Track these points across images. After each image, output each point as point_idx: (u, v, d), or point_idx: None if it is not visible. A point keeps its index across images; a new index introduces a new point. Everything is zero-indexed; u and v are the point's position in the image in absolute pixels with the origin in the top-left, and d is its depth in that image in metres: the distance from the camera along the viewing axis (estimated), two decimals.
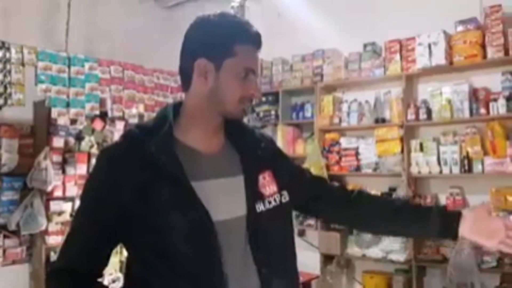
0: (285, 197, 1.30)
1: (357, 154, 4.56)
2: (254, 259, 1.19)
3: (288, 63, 5.18)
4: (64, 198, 4.24)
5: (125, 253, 3.63)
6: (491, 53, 3.87)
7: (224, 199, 1.19)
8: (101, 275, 1.22)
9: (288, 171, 1.40)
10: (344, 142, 4.66)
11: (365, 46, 4.63)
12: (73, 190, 4.26)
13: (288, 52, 5.14)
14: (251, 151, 1.30)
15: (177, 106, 1.26)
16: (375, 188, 4.45)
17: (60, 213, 4.17)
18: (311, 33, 4.90)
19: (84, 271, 1.16)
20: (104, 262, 1.21)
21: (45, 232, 4.04)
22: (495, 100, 3.85)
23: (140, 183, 1.11)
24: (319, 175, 1.56)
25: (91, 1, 4.98)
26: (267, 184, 1.29)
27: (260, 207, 1.24)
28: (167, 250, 1.10)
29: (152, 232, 1.11)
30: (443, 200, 4.17)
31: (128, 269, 1.22)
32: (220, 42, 1.18)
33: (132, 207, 1.11)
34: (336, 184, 1.56)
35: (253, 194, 1.24)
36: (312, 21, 4.91)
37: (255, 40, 1.23)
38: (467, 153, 3.94)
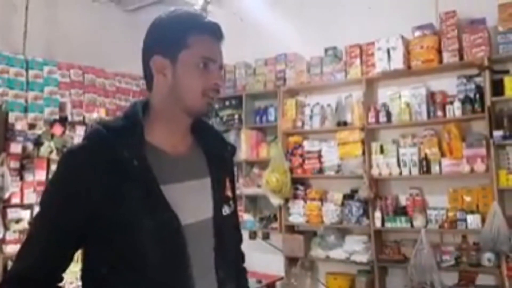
0: (233, 206, 1.32)
1: (319, 156, 4.62)
2: (215, 262, 1.19)
3: (251, 67, 5.20)
4: (22, 206, 4.10)
5: None
6: (446, 57, 4.00)
7: (192, 202, 1.18)
8: (61, 279, 1.15)
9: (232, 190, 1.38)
10: (307, 145, 4.71)
11: (326, 50, 4.70)
12: (32, 197, 4.13)
13: (251, 56, 5.17)
14: (217, 153, 1.29)
15: (144, 106, 1.22)
16: (338, 190, 4.53)
17: (18, 221, 4.03)
18: (273, 37, 4.95)
19: (42, 278, 1.10)
20: (64, 267, 1.15)
21: (2, 240, 3.90)
22: (451, 103, 3.98)
23: (108, 188, 1.07)
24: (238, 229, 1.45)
25: (50, 3, 4.86)
26: (228, 188, 1.31)
27: (225, 210, 1.25)
28: (134, 254, 1.07)
29: (121, 236, 1.07)
30: (403, 200, 4.27)
31: (88, 273, 1.16)
32: (172, 36, 1.16)
33: (99, 211, 1.07)
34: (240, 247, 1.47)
35: (220, 196, 1.24)
36: (274, 26, 4.96)
37: (212, 30, 1.19)
38: (426, 154, 4.06)
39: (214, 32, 1.19)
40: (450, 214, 3.92)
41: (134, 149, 1.10)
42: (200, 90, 1.15)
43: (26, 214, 4.10)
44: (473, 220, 3.78)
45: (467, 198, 3.91)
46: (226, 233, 1.24)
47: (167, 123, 1.20)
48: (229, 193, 1.30)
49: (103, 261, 1.11)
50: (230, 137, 5.03)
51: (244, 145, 4.94)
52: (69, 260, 1.14)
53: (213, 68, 1.17)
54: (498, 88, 3.77)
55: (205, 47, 1.16)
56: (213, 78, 1.16)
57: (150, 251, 1.07)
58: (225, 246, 1.23)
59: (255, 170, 5.02)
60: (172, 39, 1.16)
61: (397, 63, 4.14)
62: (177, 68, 1.15)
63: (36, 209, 4.18)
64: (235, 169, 4.97)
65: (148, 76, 1.21)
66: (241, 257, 1.44)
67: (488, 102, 3.76)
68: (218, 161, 1.28)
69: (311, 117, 4.72)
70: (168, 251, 1.09)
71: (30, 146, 4.21)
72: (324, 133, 4.71)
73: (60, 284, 1.15)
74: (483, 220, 3.71)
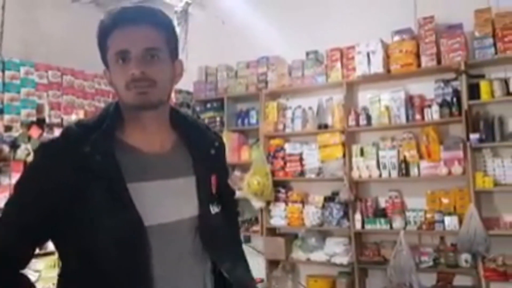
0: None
1: (301, 159, 4.65)
2: (211, 258, 1.22)
3: (233, 69, 5.20)
4: None
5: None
6: (425, 62, 4.07)
7: (169, 201, 1.16)
8: (22, 268, 1.15)
9: (224, 183, 1.38)
10: (288, 148, 4.73)
11: (307, 54, 4.73)
12: None
13: (233, 59, 5.17)
14: (204, 150, 1.27)
15: (118, 106, 1.21)
16: (319, 192, 4.56)
17: None
18: (255, 40, 4.96)
19: (8, 256, 1.10)
20: (25, 255, 1.14)
21: None
22: (429, 106, 4.05)
23: (73, 183, 1.06)
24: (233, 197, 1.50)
25: (27, 3, 4.78)
26: (214, 185, 1.28)
27: (214, 208, 1.24)
28: (93, 253, 1.07)
29: (81, 234, 1.07)
30: (382, 202, 4.32)
31: (60, 270, 1.18)
32: (100, 45, 1.18)
33: (64, 205, 1.07)
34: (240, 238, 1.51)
35: (206, 195, 1.23)
36: (256, 29, 4.98)
37: (120, 20, 1.14)
38: (404, 157, 4.11)
39: (124, 21, 1.14)
40: (428, 215, 3.98)
41: (98, 144, 1.10)
42: (123, 86, 1.13)
43: None
44: (450, 222, 3.84)
45: (445, 200, 3.98)
46: (217, 231, 1.23)
47: (132, 121, 1.19)
48: (213, 190, 1.27)
49: (68, 257, 1.13)
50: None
51: (226, 148, 4.92)
52: (31, 249, 1.15)
53: (129, 58, 1.12)
54: (474, 92, 3.86)
55: (116, 43, 1.13)
56: (129, 69, 1.11)
57: (108, 250, 1.06)
58: (218, 243, 1.23)
59: (237, 173, 5.01)
60: (101, 48, 1.18)
61: (377, 67, 4.19)
62: (110, 72, 1.17)
63: None
64: None
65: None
66: (240, 249, 1.41)
67: (465, 106, 3.83)
68: (204, 158, 1.26)
69: (292, 120, 4.74)
70: (127, 251, 1.08)
71: (6, 148, 4.12)
72: (305, 136, 4.74)
73: (22, 272, 1.15)
74: (460, 222, 3.78)
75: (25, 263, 1.16)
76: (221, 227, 1.26)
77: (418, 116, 4.09)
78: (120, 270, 1.07)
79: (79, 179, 1.07)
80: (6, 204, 1.17)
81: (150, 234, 1.10)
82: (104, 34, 1.15)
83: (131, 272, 1.08)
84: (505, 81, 3.79)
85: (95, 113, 1.24)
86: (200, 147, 1.27)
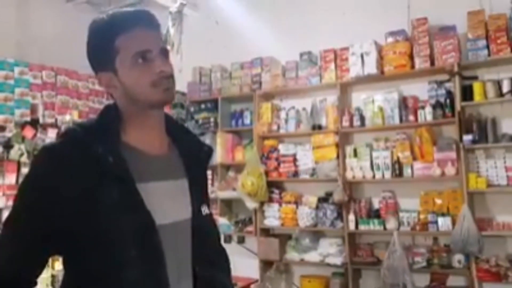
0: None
1: (295, 160, 4.65)
2: (192, 261, 1.20)
3: (227, 70, 5.20)
4: None
5: (57, 267, 3.39)
6: (418, 63, 4.09)
7: (169, 202, 1.17)
8: (33, 283, 1.12)
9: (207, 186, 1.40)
10: (282, 148, 4.74)
11: (301, 55, 4.74)
12: (1, 201, 4.04)
13: (226, 59, 5.17)
14: (194, 154, 1.29)
15: (117, 108, 1.21)
16: (312, 193, 4.56)
17: None
18: (249, 41, 4.97)
19: (14, 280, 1.07)
20: (36, 270, 1.12)
21: None
22: (423, 107, 4.07)
23: (85, 185, 1.05)
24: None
25: (21, 3, 4.77)
26: (204, 189, 1.33)
27: (205, 210, 1.26)
28: (110, 255, 1.06)
29: (96, 236, 1.06)
30: (376, 203, 4.33)
31: (68, 278, 1.15)
32: (101, 49, 1.15)
33: (76, 210, 1.05)
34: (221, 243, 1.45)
35: (198, 197, 1.24)
36: (250, 30, 4.99)
37: (137, 21, 1.15)
38: (398, 158, 4.13)
39: (140, 22, 1.15)
40: (422, 216, 4.00)
41: (109, 145, 1.10)
42: (149, 84, 1.13)
43: None
44: (443, 223, 3.86)
45: (438, 201, 3.99)
46: (207, 233, 1.26)
47: (137, 122, 1.19)
48: (204, 192, 1.32)
49: (77, 263, 1.10)
50: (206, 140, 5.00)
51: (220, 149, 4.93)
52: (41, 264, 1.12)
53: (153, 57, 1.14)
54: (467, 93, 3.88)
55: (134, 43, 1.13)
56: (156, 67, 1.13)
57: (126, 251, 1.06)
58: (206, 245, 1.24)
59: (231, 173, 5.01)
60: (102, 51, 1.15)
61: (371, 68, 4.21)
62: (120, 76, 1.15)
63: (5, 214, 4.10)
64: (209, 172, 4.96)
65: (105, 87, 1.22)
66: (223, 251, 1.41)
67: (458, 107, 3.85)
68: (195, 162, 1.28)
69: (286, 121, 4.75)
70: (144, 251, 1.08)
71: None
72: (299, 136, 4.74)
73: None
74: (453, 223, 3.80)
75: (34, 277, 1.12)
76: (211, 229, 1.30)
77: (411, 117, 4.11)
78: (139, 269, 1.07)
79: (90, 183, 1.06)
80: (12, 219, 1.11)
81: (162, 233, 1.11)
82: (109, 37, 1.13)
83: (150, 270, 1.09)
84: (498, 83, 3.81)
85: (93, 117, 1.22)
86: (191, 150, 1.29)
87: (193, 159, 1.27)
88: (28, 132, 4.31)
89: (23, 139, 4.27)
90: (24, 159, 4.21)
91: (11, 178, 4.14)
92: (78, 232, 1.06)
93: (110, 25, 1.15)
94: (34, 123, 4.37)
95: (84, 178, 1.06)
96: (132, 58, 1.13)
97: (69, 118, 4.56)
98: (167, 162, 1.22)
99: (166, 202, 1.17)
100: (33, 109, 4.37)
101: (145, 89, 1.14)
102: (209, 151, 1.38)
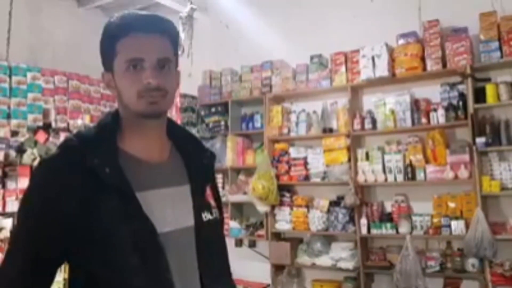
0: (217, 214, 1.30)
1: (305, 163, 4.63)
2: (199, 268, 1.18)
3: (237, 73, 5.21)
4: (4, 214, 4.04)
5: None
6: (430, 65, 4.05)
7: (170, 210, 1.16)
8: None
9: (218, 192, 1.37)
10: (293, 152, 4.72)
11: (312, 58, 4.72)
12: (14, 205, 4.07)
13: (237, 63, 5.18)
14: (197, 160, 1.28)
15: (116, 115, 1.21)
16: (324, 196, 4.54)
17: None
18: (259, 44, 4.98)
19: None
20: (49, 281, 1.11)
21: None
22: (435, 110, 4.03)
23: (83, 196, 1.05)
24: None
25: (34, 9, 4.82)
26: (210, 196, 1.30)
27: (207, 216, 1.23)
28: (114, 264, 1.06)
29: (98, 246, 1.06)
30: (388, 207, 4.30)
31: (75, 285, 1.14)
32: (105, 48, 1.16)
33: (76, 221, 1.05)
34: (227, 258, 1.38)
35: (200, 203, 1.23)
36: (260, 33, 5.00)
37: (136, 27, 1.13)
38: (410, 161, 4.09)
39: (140, 28, 1.13)
40: (435, 220, 3.95)
41: (105, 156, 1.09)
42: (135, 94, 1.11)
43: (7, 223, 4.04)
44: (457, 226, 3.81)
45: (451, 204, 3.94)
46: (210, 240, 1.23)
47: (133, 129, 1.18)
48: (211, 200, 1.29)
49: (83, 274, 1.09)
50: (216, 144, 5.02)
51: (230, 152, 4.93)
52: (50, 276, 1.12)
53: (144, 66, 1.11)
54: (480, 95, 3.83)
55: (129, 49, 1.12)
56: (144, 78, 1.10)
57: (128, 259, 1.06)
58: (209, 252, 1.22)
59: (241, 177, 5.01)
60: (106, 51, 1.15)
61: (382, 70, 4.18)
62: (116, 78, 1.15)
63: None
64: (220, 175, 4.96)
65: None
66: (228, 267, 1.38)
67: (471, 110, 3.81)
68: (198, 168, 1.27)
69: (297, 124, 4.74)
70: (147, 258, 1.08)
71: (12, 153, 4.15)
72: (310, 140, 4.73)
73: None
74: (467, 226, 3.75)
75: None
76: (213, 236, 1.26)
77: (423, 120, 4.07)
78: (142, 278, 1.07)
79: (89, 190, 1.06)
80: (14, 236, 1.13)
81: (163, 241, 1.10)
82: (112, 38, 1.13)
83: (153, 278, 1.08)
84: (511, 85, 3.77)
85: (92, 126, 1.21)
86: (194, 156, 1.28)
87: (195, 166, 1.26)
88: (41, 136, 4.35)
89: (36, 143, 4.31)
90: (36, 163, 4.25)
91: (24, 182, 4.17)
92: (80, 240, 1.06)
93: (115, 26, 1.14)
94: (47, 127, 4.41)
95: (81, 189, 1.05)
96: (124, 64, 1.12)
97: (81, 122, 4.60)
98: (167, 169, 1.21)
99: (167, 210, 1.15)
100: (46, 113, 4.41)
101: (132, 99, 1.12)
102: (212, 157, 1.37)
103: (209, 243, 1.23)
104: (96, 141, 1.12)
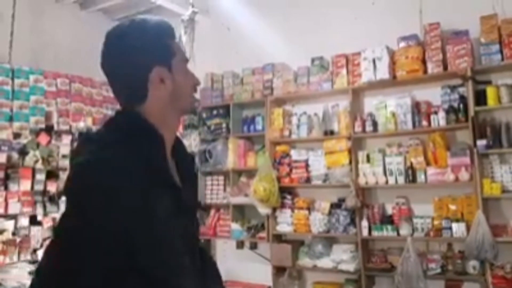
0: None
1: (307, 166, 4.64)
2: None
3: (239, 76, 5.22)
4: (6, 216, 4.06)
5: None
6: (431, 68, 4.06)
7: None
8: None
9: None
10: (294, 154, 4.73)
11: (313, 60, 4.74)
12: (16, 207, 4.09)
13: (238, 65, 5.19)
14: (188, 163, 1.32)
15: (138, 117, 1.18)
16: (325, 199, 4.55)
17: (1, 232, 3.98)
18: (260, 47, 4.99)
19: None
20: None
21: None
22: (436, 112, 4.03)
23: (144, 191, 1.02)
24: None
25: (36, 11, 4.84)
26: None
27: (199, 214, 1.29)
28: (168, 261, 1.04)
29: (155, 242, 1.03)
30: (389, 209, 4.30)
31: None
32: (162, 45, 1.19)
33: (135, 219, 1.00)
34: None
35: (195, 205, 1.31)
36: (261, 36, 5.01)
37: (175, 33, 1.27)
38: (411, 163, 4.10)
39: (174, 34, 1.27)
40: (436, 222, 3.96)
41: (161, 152, 1.15)
42: (191, 86, 1.25)
43: (10, 225, 4.06)
44: (458, 229, 3.82)
45: (452, 207, 3.95)
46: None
47: (168, 128, 1.19)
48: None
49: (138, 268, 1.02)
50: (218, 146, 5.04)
51: (232, 154, 4.95)
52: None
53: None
54: (481, 98, 3.84)
55: (181, 51, 1.24)
56: (193, 75, 1.26)
57: (183, 259, 1.10)
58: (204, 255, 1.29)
59: (243, 179, 5.02)
60: (163, 48, 1.19)
61: (383, 73, 4.19)
62: (174, 74, 1.19)
63: (21, 220, 4.14)
64: (221, 177, 4.97)
65: (136, 87, 1.16)
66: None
67: (471, 112, 3.82)
68: (188, 167, 1.31)
69: (298, 126, 4.75)
70: (193, 260, 1.15)
71: (15, 155, 4.18)
72: (311, 142, 4.74)
73: None
74: (468, 228, 3.76)
75: None
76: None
77: (424, 122, 4.08)
78: (192, 274, 1.12)
79: (149, 185, 1.04)
80: (78, 245, 0.98)
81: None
82: (168, 37, 1.21)
83: (198, 277, 1.15)
84: None
85: (111, 127, 1.16)
86: (181, 157, 1.29)
87: (185, 166, 1.28)
88: (43, 138, 4.37)
89: (38, 145, 4.34)
90: (38, 165, 4.27)
91: (26, 184, 4.19)
92: (136, 237, 1.00)
93: (169, 27, 1.23)
94: (49, 130, 4.44)
95: (139, 187, 1.02)
96: (183, 62, 1.24)
97: (83, 125, 4.62)
98: (172, 167, 1.24)
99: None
100: (48, 116, 4.43)
101: (188, 93, 1.23)
102: (193, 159, 1.42)
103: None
104: (145, 143, 1.12)
